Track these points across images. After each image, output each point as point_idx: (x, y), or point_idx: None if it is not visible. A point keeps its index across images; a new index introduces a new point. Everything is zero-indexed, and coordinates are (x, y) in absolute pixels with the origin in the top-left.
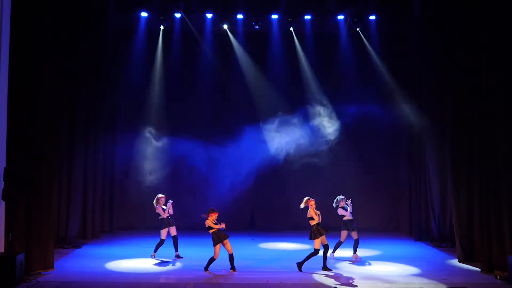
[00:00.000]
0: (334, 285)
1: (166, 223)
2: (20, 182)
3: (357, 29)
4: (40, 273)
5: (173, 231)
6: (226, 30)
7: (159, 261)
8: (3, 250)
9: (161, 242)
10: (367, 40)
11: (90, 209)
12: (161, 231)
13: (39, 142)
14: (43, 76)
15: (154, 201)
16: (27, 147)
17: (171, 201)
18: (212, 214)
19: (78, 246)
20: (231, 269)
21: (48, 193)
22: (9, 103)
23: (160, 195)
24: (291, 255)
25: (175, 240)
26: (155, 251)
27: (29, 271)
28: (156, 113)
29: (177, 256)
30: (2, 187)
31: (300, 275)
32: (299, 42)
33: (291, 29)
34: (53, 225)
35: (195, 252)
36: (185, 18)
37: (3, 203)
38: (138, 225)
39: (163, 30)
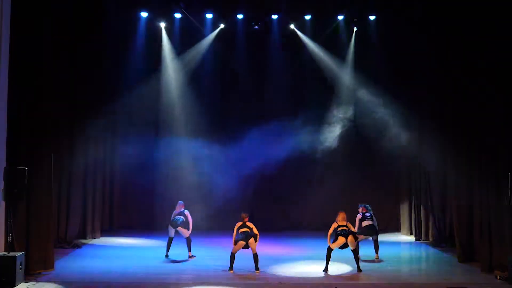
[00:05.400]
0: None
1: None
2: (20, 182)
3: (357, 29)
4: (40, 273)
5: (184, 233)
6: (227, 30)
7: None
8: (3, 250)
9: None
10: (366, 41)
11: (90, 209)
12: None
13: (39, 142)
14: (43, 76)
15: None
16: (27, 147)
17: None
18: (243, 218)
19: (78, 246)
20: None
21: (48, 193)
22: (9, 103)
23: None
24: (290, 256)
25: (187, 241)
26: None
27: (29, 271)
28: (157, 113)
29: (190, 256)
30: (2, 187)
31: (299, 276)
32: (299, 42)
33: (291, 29)
34: (53, 225)
35: (195, 252)
36: (185, 18)
37: (3, 203)
38: (137, 225)
39: (164, 29)
